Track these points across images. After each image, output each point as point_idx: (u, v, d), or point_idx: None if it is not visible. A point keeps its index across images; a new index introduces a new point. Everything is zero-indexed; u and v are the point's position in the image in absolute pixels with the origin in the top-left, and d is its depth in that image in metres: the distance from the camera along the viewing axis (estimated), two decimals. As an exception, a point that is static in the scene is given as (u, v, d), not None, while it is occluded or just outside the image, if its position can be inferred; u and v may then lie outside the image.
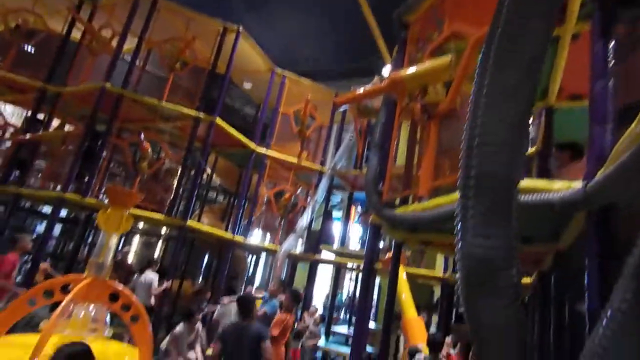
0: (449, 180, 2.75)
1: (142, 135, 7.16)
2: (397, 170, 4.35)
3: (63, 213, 10.85)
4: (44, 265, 6.40)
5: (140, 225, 12.52)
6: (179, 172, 7.82)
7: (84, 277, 3.79)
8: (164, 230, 12.22)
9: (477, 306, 1.53)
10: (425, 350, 4.98)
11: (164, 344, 5.87)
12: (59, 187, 7.23)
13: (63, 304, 3.42)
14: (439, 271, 8.65)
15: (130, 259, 12.98)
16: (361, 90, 3.31)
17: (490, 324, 1.53)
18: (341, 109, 9.55)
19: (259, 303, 6.78)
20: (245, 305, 4.16)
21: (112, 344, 4.22)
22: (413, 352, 4.87)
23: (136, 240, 14.28)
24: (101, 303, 3.88)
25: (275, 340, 5.12)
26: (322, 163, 9.79)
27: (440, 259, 9.38)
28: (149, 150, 7.28)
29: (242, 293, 8.00)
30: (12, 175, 7.62)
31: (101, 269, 3.85)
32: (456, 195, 2.61)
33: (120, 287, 3.96)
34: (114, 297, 3.94)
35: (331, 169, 9.18)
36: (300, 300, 5.41)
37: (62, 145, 7.65)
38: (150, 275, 7.07)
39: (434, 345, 4.64)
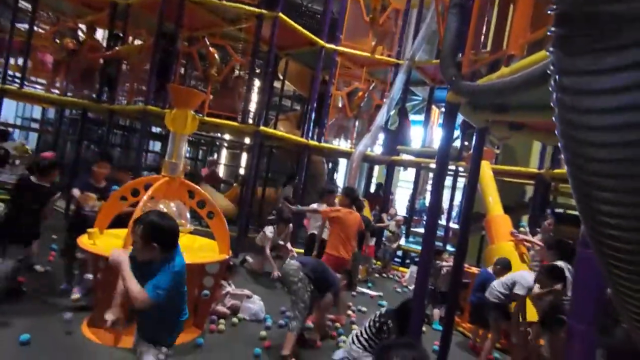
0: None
1: (207, 41, 6.98)
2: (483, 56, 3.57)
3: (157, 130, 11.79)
4: None
5: (227, 137, 13.22)
6: (248, 77, 7.65)
7: (161, 176, 4.00)
8: (247, 141, 12.67)
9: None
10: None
11: (257, 239, 6.32)
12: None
13: (144, 198, 3.66)
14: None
15: (221, 171, 14.07)
16: None
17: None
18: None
19: None
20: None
21: (197, 238, 4.58)
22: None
23: (224, 153, 15.33)
24: (180, 200, 4.12)
25: (330, 232, 5.05)
26: (398, 55, 8.82)
27: (535, 156, 8.36)
28: (216, 56, 7.15)
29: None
30: (103, 94, 8.20)
31: (175, 168, 3.99)
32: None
33: (194, 186, 4.14)
34: (192, 195, 4.16)
35: (409, 60, 8.24)
36: (354, 195, 5.15)
37: (139, 59, 7.86)
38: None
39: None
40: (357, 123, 9.50)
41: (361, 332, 3.65)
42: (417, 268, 3.14)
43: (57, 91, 8.26)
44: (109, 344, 3.37)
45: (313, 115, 8.57)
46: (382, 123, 8.34)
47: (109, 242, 3.74)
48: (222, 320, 4.24)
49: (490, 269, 4.58)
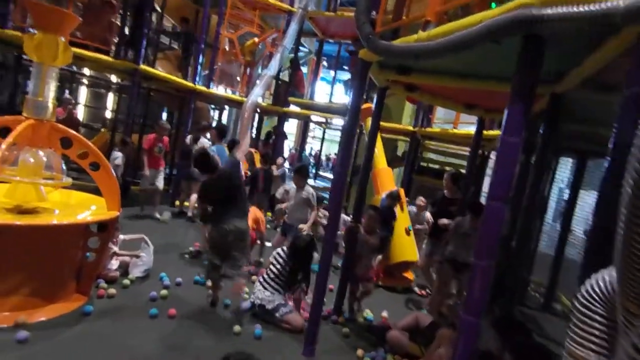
0: (465, 1, 2.27)
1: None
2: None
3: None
4: None
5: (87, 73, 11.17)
6: (124, 5, 6.51)
7: (24, 118, 3.25)
8: (114, 79, 10.98)
9: None
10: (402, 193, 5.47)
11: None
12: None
13: (2, 147, 2.96)
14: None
15: (80, 113, 11.92)
16: None
17: None
18: None
19: None
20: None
21: (74, 194, 3.95)
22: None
23: (83, 91, 12.98)
24: (52, 149, 3.45)
25: None
26: (292, 3, 8.55)
27: (406, 115, 9.36)
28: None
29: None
30: None
31: (41, 109, 3.29)
32: (472, 19, 2.17)
33: (72, 132, 3.49)
34: (66, 142, 3.50)
35: (302, 9, 8.07)
36: (225, 133, 5.05)
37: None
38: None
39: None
40: (247, 71, 9.07)
41: (264, 279, 3.79)
42: (327, 219, 3.31)
43: None
44: (8, 324, 2.89)
45: (199, 58, 7.86)
46: (274, 72, 8.14)
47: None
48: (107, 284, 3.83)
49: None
